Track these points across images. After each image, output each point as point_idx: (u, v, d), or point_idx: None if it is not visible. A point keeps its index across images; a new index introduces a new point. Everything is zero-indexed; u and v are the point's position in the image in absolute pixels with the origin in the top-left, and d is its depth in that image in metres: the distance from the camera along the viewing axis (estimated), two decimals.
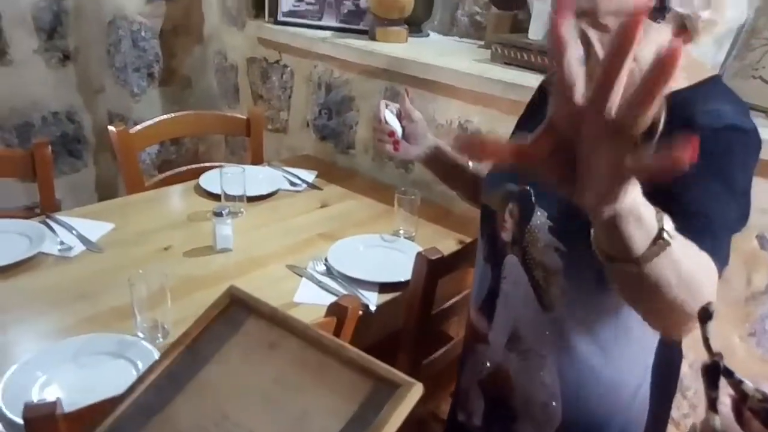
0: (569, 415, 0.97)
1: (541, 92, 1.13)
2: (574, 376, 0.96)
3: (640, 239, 0.63)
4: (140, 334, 1.15)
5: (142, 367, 1.07)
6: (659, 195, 0.71)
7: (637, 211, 0.61)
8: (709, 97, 0.83)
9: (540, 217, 0.92)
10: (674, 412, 1.16)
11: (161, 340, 1.15)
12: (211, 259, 1.46)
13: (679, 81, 0.87)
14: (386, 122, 1.27)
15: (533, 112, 1.12)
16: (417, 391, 0.53)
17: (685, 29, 0.87)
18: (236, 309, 0.67)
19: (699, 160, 0.70)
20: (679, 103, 0.84)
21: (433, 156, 1.32)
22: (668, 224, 0.64)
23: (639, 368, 0.96)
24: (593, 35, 0.88)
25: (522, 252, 0.94)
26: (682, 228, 0.68)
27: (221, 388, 0.60)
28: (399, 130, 1.27)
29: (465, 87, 1.72)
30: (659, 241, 0.63)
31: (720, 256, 0.74)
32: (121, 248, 1.47)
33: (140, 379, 0.63)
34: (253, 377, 0.60)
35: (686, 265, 0.67)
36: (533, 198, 0.93)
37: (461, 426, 1.10)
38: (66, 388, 1.02)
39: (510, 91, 1.60)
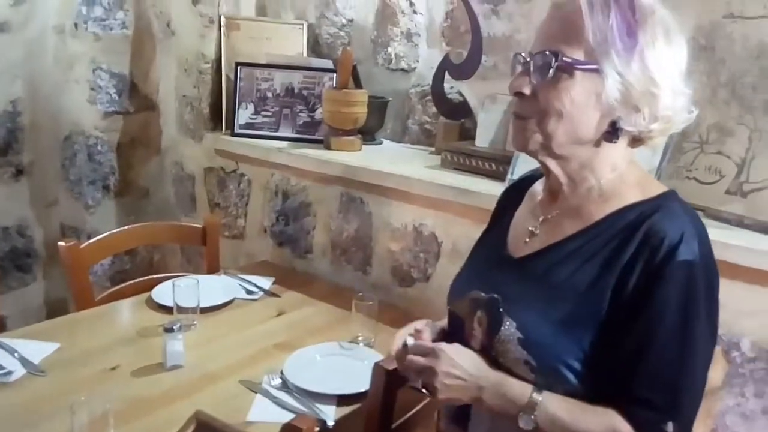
0: None
1: (501, 202, 1.17)
2: None
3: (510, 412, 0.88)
4: None
5: None
6: (630, 352, 0.84)
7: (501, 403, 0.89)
8: (665, 217, 0.87)
9: (509, 328, 0.91)
10: None
11: None
12: (161, 377, 1.39)
13: (632, 195, 0.91)
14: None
15: (498, 217, 1.15)
16: None
17: (639, 141, 0.92)
18: None
19: (665, 316, 0.79)
20: (635, 218, 0.88)
21: None
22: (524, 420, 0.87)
23: None
24: (551, 163, 0.93)
25: (492, 362, 0.92)
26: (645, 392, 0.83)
27: None
28: None
29: (418, 192, 1.77)
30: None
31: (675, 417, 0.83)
32: (65, 370, 1.40)
33: None
34: None
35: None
36: (501, 307, 0.93)
37: None
38: None
39: (460, 196, 1.65)
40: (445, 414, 1.09)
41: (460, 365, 0.91)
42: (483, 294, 0.97)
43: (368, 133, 2.16)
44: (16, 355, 1.43)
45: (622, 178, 0.93)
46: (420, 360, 0.94)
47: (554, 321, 0.87)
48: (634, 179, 0.94)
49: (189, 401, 1.28)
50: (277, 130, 2.25)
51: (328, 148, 2.08)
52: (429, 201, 1.76)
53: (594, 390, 0.86)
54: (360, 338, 1.57)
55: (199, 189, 2.47)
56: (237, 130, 2.26)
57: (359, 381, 1.34)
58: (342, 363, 1.48)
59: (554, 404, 0.85)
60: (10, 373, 1.36)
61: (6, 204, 2.36)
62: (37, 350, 1.46)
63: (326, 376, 1.39)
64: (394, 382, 1.21)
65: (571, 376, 0.87)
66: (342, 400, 1.32)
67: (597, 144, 0.91)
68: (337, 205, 2.02)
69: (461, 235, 1.69)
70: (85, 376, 1.38)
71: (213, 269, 2.04)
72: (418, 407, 1.36)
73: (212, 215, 2.37)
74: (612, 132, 0.89)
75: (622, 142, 0.91)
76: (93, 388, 1.31)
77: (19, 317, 2.27)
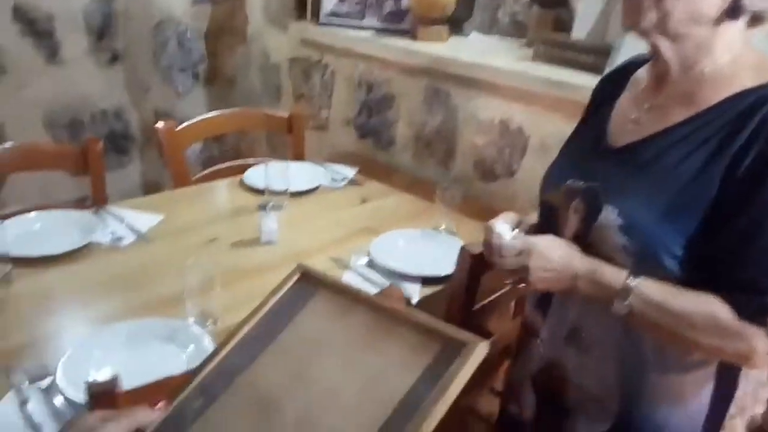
0: (625, 414, 0.97)
1: (598, 93, 1.12)
2: (636, 375, 0.95)
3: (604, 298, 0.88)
4: (191, 320, 1.18)
5: (193, 351, 1.09)
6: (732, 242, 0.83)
7: (595, 290, 0.89)
8: None
9: (609, 215, 0.90)
10: None
11: (211, 326, 1.18)
12: (257, 251, 1.49)
13: (748, 79, 0.86)
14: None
15: (595, 108, 1.11)
16: (483, 348, 0.56)
17: (760, 20, 0.86)
18: (305, 283, 0.71)
19: None
20: (751, 103, 0.83)
21: None
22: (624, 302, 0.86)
23: (703, 372, 0.95)
24: (663, 44, 0.88)
25: (585, 249, 0.92)
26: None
27: (298, 350, 0.63)
28: None
29: (507, 85, 1.73)
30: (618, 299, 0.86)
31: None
32: (169, 239, 1.52)
33: (222, 345, 0.66)
34: (326, 341, 0.63)
35: (671, 314, 0.84)
36: (602, 195, 0.92)
37: (512, 418, 1.10)
38: (119, 370, 1.05)
39: (554, 89, 1.60)
40: (529, 300, 1.12)
41: (553, 259, 0.91)
42: (581, 183, 0.96)
43: (456, 24, 2.10)
44: (124, 223, 1.55)
45: (738, 61, 0.88)
46: (513, 260, 0.95)
47: (659, 208, 0.86)
48: (751, 62, 0.88)
49: (284, 272, 1.36)
50: (362, 19, 2.21)
51: (414, 38, 2.04)
52: (519, 94, 1.72)
53: (693, 276, 0.86)
54: (443, 227, 1.61)
55: (284, 79, 2.50)
56: (322, 19, 2.24)
57: (442, 265, 1.38)
58: (425, 248, 1.52)
59: (650, 289, 0.85)
60: (120, 238, 1.49)
61: (104, 87, 2.47)
62: (143, 220, 1.57)
63: (410, 259, 1.44)
64: (478, 266, 1.24)
65: (671, 262, 0.86)
66: (426, 281, 1.37)
67: (716, 23, 0.85)
68: (422, 98, 2.00)
69: (551, 131, 1.66)
70: (188, 245, 1.48)
71: (298, 158, 2.10)
72: (498, 293, 1.40)
73: (298, 105, 2.41)
74: (733, 9, 0.83)
75: (742, 22, 0.86)
76: (196, 256, 1.41)
77: (119, 197, 2.43)
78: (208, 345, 1.10)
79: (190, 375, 0.65)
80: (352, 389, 0.58)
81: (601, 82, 1.14)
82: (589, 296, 0.91)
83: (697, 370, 0.94)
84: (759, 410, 1.44)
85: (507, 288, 1.40)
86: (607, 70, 1.51)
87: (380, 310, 0.64)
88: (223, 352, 0.66)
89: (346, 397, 0.58)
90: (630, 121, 0.97)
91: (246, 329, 0.68)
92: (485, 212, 1.74)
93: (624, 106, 1.01)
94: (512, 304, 1.60)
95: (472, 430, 1.94)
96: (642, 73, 1.01)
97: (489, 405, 1.81)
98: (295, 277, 0.72)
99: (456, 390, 0.54)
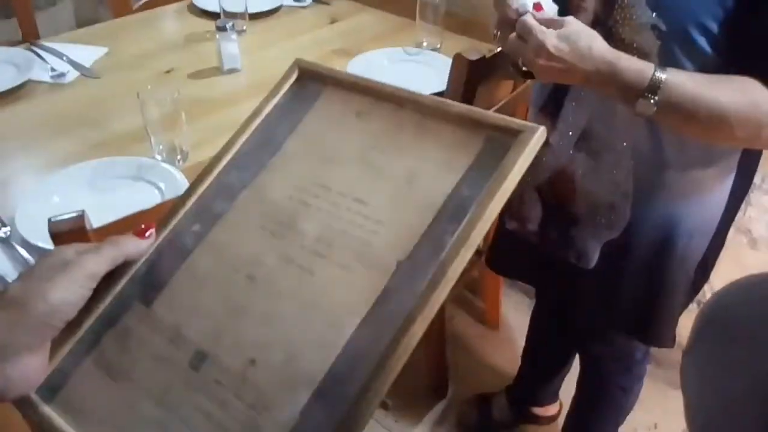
0: (637, 217, 0.91)
1: None
2: (653, 174, 0.88)
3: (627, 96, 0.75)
4: (158, 157, 1.05)
5: (164, 188, 0.98)
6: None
7: (614, 89, 0.75)
8: None
9: None
10: None
11: (181, 162, 1.06)
12: (219, 80, 1.33)
13: None
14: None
15: None
16: (541, 135, 0.46)
17: None
18: (308, 82, 0.58)
19: None
20: None
21: None
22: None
23: (725, 163, 0.88)
24: None
25: (606, 34, 0.79)
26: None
27: (309, 160, 0.53)
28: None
29: None
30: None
31: None
32: (118, 73, 1.34)
33: (216, 160, 0.55)
34: (345, 146, 0.52)
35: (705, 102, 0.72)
36: None
37: (511, 234, 1.04)
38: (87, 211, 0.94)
39: None
40: (534, 104, 1.00)
41: (562, 57, 0.75)
42: None
43: None
44: (64, 58, 1.35)
45: None
46: (518, 47, 0.79)
47: None
48: None
49: (254, 103, 1.22)
50: None
51: None
52: None
53: (726, 57, 0.76)
54: (425, 43, 1.46)
55: None
56: None
57: (429, 84, 1.26)
58: (409, 67, 1.39)
59: (680, 79, 0.74)
60: (63, 74, 1.31)
61: None
62: (86, 54, 1.38)
63: (394, 79, 1.28)
64: (475, 74, 1.12)
65: (703, 42, 0.76)
66: None
67: None
68: None
69: None
70: (141, 78, 1.31)
71: None
72: (496, 107, 1.29)
73: None
74: None
75: None
76: (153, 88, 1.25)
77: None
78: (182, 181, 0.99)
79: (180, 199, 0.54)
80: (381, 198, 0.48)
81: None
82: (606, 92, 0.80)
83: (720, 163, 0.88)
84: (751, 214, 1.43)
85: (506, 100, 1.29)
86: None
87: (405, 104, 0.52)
88: (219, 168, 0.55)
89: (376, 208, 0.48)
90: None
91: (242, 140, 0.56)
92: (469, 27, 1.58)
93: None
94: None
95: None
96: None
97: None
98: (294, 76, 0.59)
99: (512, 184, 0.45)
